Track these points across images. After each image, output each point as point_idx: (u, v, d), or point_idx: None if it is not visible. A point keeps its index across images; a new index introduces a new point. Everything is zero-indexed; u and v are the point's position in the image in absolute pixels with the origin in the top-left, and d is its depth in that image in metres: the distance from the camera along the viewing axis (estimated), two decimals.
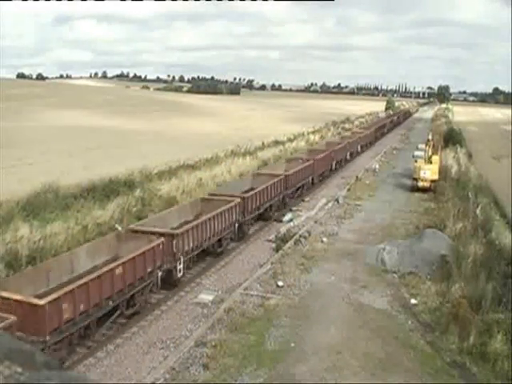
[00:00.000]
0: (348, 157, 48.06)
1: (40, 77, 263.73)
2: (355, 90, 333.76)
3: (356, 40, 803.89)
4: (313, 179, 35.47)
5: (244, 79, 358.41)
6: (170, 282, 17.92)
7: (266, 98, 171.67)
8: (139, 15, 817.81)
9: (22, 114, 66.82)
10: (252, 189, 26.37)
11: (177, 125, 66.20)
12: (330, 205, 31.05)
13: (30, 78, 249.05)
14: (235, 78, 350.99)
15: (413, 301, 17.47)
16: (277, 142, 51.34)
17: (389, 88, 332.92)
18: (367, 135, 59.68)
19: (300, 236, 23.99)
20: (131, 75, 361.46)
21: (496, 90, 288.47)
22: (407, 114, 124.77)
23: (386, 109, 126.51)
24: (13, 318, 11.35)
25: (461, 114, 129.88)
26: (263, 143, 49.35)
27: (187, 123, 68.98)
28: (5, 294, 12.18)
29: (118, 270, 14.81)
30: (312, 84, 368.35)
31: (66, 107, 78.77)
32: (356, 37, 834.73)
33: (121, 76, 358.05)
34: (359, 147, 53.92)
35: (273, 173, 30.34)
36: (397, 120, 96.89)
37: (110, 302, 14.61)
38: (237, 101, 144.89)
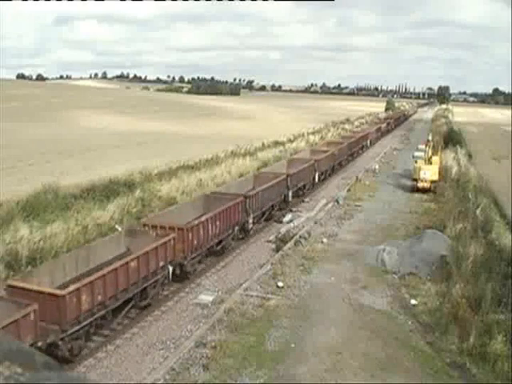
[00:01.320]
0: (289, 196, 29.26)
1: (40, 77, 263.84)
2: (355, 91, 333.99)
3: (357, 40, 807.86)
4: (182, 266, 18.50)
5: (244, 80, 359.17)
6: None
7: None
8: (140, 16, 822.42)
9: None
10: None
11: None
12: (329, 205, 31.04)
13: (29, 78, 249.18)
14: (235, 79, 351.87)
15: (413, 301, 17.47)
16: (277, 143, 51.34)
17: (389, 89, 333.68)
18: (333, 156, 40.26)
19: (300, 237, 23.97)
20: (131, 76, 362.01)
21: (496, 90, 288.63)
22: (401, 119, 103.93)
23: (386, 109, 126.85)
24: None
25: (461, 115, 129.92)
26: (263, 144, 49.35)
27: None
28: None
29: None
30: (312, 85, 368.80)
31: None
32: (357, 37, 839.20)
33: (121, 77, 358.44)
34: (316, 177, 34.88)
35: None
36: (386, 128, 77.03)
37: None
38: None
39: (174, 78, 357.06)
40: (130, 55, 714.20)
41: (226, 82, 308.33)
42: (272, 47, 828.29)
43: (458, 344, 14.49)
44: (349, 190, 35.47)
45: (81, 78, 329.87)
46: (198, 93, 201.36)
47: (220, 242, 21.09)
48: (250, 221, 23.61)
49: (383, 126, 75.91)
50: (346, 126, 78.62)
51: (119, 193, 25.98)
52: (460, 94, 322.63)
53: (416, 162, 36.81)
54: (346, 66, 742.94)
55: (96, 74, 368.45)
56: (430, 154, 36.89)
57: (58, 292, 13.08)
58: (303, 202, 32.42)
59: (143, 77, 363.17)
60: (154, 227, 18.26)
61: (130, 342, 14.77)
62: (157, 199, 26.73)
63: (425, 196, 34.34)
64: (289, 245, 22.91)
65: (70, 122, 61.91)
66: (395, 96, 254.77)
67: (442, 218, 26.31)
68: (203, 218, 19.58)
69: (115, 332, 15.17)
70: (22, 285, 13.29)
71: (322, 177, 37.26)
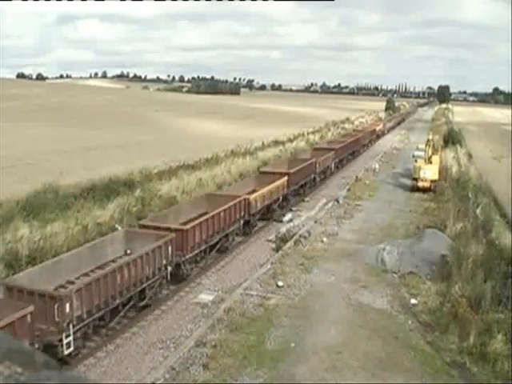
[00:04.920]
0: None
1: (40, 77, 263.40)
2: (355, 90, 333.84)
3: (358, 40, 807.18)
4: None
5: (244, 79, 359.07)
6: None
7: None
8: (141, 15, 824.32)
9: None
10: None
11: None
12: (330, 205, 31.05)
13: (29, 78, 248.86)
14: (235, 78, 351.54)
15: (413, 301, 17.47)
16: (276, 142, 51.29)
17: (389, 88, 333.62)
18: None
19: (300, 236, 23.99)
20: (131, 75, 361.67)
21: (496, 90, 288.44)
22: (367, 139, 59.90)
23: (386, 109, 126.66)
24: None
25: (461, 114, 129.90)
26: (263, 143, 49.28)
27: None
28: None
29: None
30: (312, 84, 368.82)
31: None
32: (359, 37, 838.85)
33: (121, 76, 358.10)
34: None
35: None
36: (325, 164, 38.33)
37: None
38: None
39: (174, 78, 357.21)
40: (131, 54, 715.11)
41: (226, 82, 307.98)
42: (273, 47, 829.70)
43: (458, 343, 14.50)
44: (349, 190, 35.47)
45: (81, 78, 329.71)
46: (198, 92, 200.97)
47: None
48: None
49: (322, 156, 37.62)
50: (346, 126, 78.62)
51: (119, 192, 25.96)
52: (460, 93, 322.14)
53: (416, 161, 36.83)
54: (346, 65, 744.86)
55: (96, 74, 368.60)
56: (430, 153, 36.89)
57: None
58: (303, 201, 32.43)
59: (143, 76, 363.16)
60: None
61: (130, 341, 14.77)
62: (157, 198, 26.72)
63: (425, 195, 34.34)
64: (289, 244, 22.91)
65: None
66: (395, 95, 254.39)
67: (442, 217, 26.32)
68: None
69: (115, 331, 15.19)
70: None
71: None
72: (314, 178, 36.06)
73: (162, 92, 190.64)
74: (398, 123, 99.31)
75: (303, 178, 33.20)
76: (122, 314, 15.32)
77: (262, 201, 25.86)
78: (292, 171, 31.07)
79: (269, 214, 27.47)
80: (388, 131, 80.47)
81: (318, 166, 36.18)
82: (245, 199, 23.91)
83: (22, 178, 27.40)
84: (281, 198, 28.75)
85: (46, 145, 41.48)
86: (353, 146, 50.68)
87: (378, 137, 70.44)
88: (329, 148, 43.22)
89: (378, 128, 71.36)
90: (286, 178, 29.51)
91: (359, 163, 48.48)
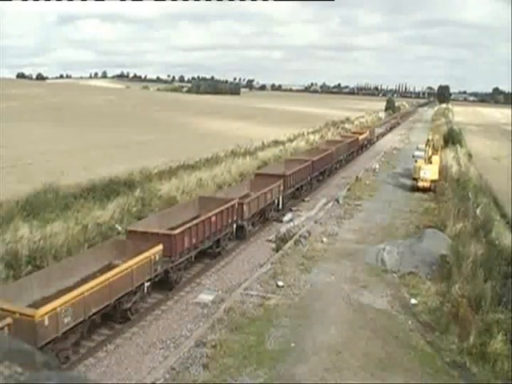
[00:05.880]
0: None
1: (40, 77, 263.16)
2: (355, 90, 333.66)
3: (359, 40, 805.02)
4: None
5: (244, 79, 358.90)
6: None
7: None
8: (142, 15, 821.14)
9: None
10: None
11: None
12: (330, 205, 31.05)
13: (29, 78, 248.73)
14: (235, 78, 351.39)
15: (413, 301, 17.47)
16: (276, 142, 51.27)
17: (389, 88, 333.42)
18: None
19: (300, 236, 23.98)
20: (131, 75, 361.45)
21: (496, 90, 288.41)
22: (344, 153, 46.71)
23: (386, 109, 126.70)
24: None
25: (461, 114, 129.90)
26: (263, 143, 49.26)
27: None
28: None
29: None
30: (312, 84, 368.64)
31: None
32: (359, 37, 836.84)
33: (121, 76, 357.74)
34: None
35: None
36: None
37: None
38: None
39: (174, 78, 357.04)
40: (131, 55, 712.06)
41: (226, 82, 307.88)
42: (273, 47, 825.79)
43: (458, 343, 14.50)
44: (349, 190, 35.47)
45: (81, 78, 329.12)
46: (198, 92, 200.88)
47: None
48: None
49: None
50: (346, 126, 78.61)
51: (119, 192, 25.96)
52: (460, 93, 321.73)
53: (416, 161, 36.86)
54: (346, 65, 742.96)
55: (96, 74, 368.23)
56: (430, 153, 36.91)
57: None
58: (303, 201, 32.44)
59: (143, 76, 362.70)
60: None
61: (130, 341, 14.77)
62: (157, 198, 26.73)
63: (425, 195, 34.35)
64: (289, 244, 22.92)
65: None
66: (395, 95, 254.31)
67: (442, 217, 26.32)
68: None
69: (115, 331, 15.19)
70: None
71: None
72: (243, 226, 23.50)
73: (162, 92, 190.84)
74: (391, 128, 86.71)
75: (210, 235, 20.51)
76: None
77: (80, 312, 13.21)
78: (177, 232, 18.09)
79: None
80: (377, 138, 68.00)
81: (246, 208, 23.50)
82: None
83: (22, 177, 27.38)
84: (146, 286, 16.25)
85: (46, 145, 41.43)
86: (321, 167, 37.50)
87: (363, 147, 56.62)
88: (276, 175, 29.79)
89: (361, 137, 55.57)
90: (159, 247, 16.85)
91: (359, 163, 48.48)
